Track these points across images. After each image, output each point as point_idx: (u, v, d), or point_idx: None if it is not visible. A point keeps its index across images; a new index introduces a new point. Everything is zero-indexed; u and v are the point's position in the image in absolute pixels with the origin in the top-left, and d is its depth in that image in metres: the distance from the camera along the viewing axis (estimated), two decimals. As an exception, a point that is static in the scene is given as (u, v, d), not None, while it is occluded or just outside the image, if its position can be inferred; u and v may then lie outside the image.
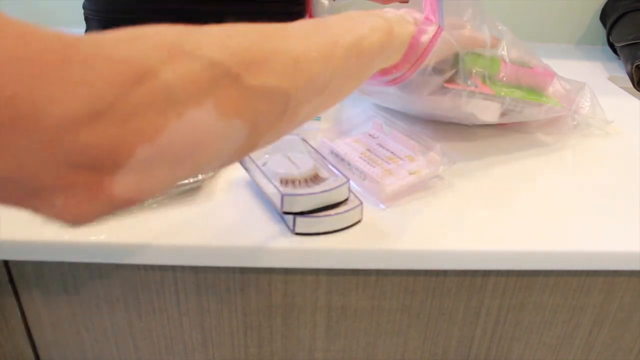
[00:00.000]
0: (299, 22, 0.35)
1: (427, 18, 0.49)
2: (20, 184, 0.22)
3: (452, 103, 0.55)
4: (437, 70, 0.52)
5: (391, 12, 0.46)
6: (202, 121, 0.26)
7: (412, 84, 0.52)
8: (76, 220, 0.25)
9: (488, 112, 0.57)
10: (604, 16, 1.00)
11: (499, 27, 0.59)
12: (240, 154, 0.31)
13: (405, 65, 0.49)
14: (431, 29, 0.48)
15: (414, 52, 0.48)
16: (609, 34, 0.97)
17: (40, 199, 0.23)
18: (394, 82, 0.52)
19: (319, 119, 0.61)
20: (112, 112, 0.22)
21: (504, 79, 0.57)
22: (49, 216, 0.24)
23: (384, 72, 0.50)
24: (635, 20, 0.91)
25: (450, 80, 0.53)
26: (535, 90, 0.61)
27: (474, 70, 0.53)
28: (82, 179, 0.23)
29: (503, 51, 0.57)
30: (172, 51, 0.25)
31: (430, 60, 0.49)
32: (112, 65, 0.22)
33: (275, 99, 0.30)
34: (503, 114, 0.59)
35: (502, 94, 0.56)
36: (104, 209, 0.25)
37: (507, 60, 0.57)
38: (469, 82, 0.54)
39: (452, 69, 0.52)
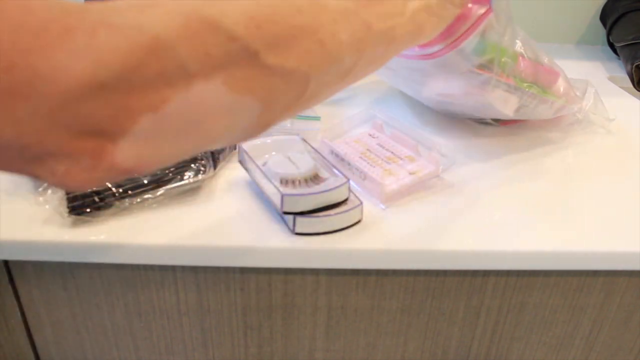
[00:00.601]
0: None
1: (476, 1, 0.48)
2: (22, 150, 0.22)
3: (476, 89, 0.55)
4: (469, 55, 0.51)
5: None
6: (210, 94, 0.25)
7: (440, 64, 0.52)
8: (76, 186, 0.24)
9: (506, 104, 0.57)
10: (604, 16, 1.00)
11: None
12: (253, 132, 0.30)
13: (447, 39, 0.48)
14: (482, 9, 0.47)
15: (459, 27, 0.46)
16: (609, 34, 0.97)
17: (42, 166, 0.23)
18: (430, 56, 0.51)
19: (318, 118, 0.61)
20: (117, 82, 0.22)
21: (523, 74, 0.57)
22: (50, 182, 0.24)
23: (422, 45, 0.49)
24: (635, 20, 0.91)
25: (481, 66, 0.53)
26: (546, 88, 0.61)
27: (502, 62, 0.53)
28: (85, 146, 0.23)
29: (521, 48, 0.57)
30: (189, 20, 0.24)
31: (472, 40, 0.48)
32: (117, 34, 0.22)
33: (294, 80, 0.29)
34: (518, 109, 0.59)
35: (524, 87, 0.56)
36: (105, 176, 0.25)
37: (525, 56, 0.57)
38: (495, 70, 0.53)
39: (483, 56, 0.52)
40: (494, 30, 0.51)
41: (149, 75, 0.23)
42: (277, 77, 0.28)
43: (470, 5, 0.48)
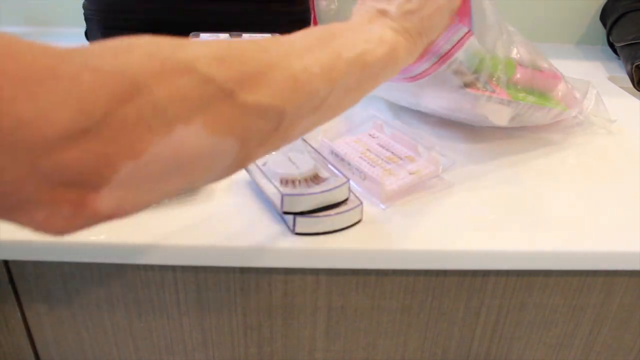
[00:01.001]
0: (302, 32, 0.34)
1: (459, 20, 0.49)
2: (2, 198, 0.21)
3: (468, 104, 0.56)
4: (458, 71, 0.52)
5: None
6: (191, 138, 0.25)
7: (429, 82, 0.52)
8: (57, 233, 0.24)
9: (500, 115, 0.58)
10: (604, 16, 1.00)
11: (509, 29, 0.59)
12: (231, 171, 0.30)
13: (425, 62, 0.48)
14: (460, 32, 0.48)
15: (437, 50, 0.47)
16: (609, 34, 0.97)
17: (21, 213, 0.23)
18: (412, 79, 0.52)
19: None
20: (98, 128, 0.22)
21: (519, 84, 0.57)
22: (29, 228, 0.24)
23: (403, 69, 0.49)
24: (635, 20, 0.91)
25: (470, 82, 0.53)
26: (544, 93, 0.61)
27: (494, 76, 0.54)
28: (65, 194, 0.22)
29: (517, 55, 0.57)
30: (165, 64, 0.24)
31: (453, 62, 0.49)
32: (100, 79, 0.22)
33: (269, 116, 0.29)
34: (513, 118, 0.59)
35: (519, 98, 0.56)
36: (86, 223, 0.24)
37: (521, 63, 0.58)
38: (487, 87, 0.54)
39: (474, 72, 0.52)
40: (482, 46, 0.52)
41: (129, 120, 0.23)
42: (253, 115, 0.28)
43: (448, 28, 0.48)
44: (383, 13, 0.41)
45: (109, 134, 0.22)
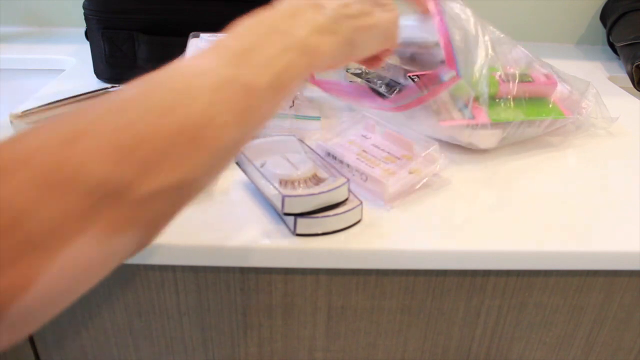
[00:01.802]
0: (208, 74, 0.29)
1: (447, 64, 0.52)
2: None
3: (448, 134, 0.58)
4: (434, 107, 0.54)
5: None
6: (88, 249, 0.23)
7: (409, 114, 0.56)
8: None
9: (487, 140, 0.58)
10: (604, 16, 1.00)
11: (500, 36, 0.59)
12: (135, 254, 0.28)
13: (409, 96, 0.52)
14: (450, 74, 0.51)
15: (425, 86, 0.49)
16: (609, 34, 0.97)
17: None
18: (398, 109, 0.54)
19: (318, 119, 0.61)
20: None
21: (504, 100, 0.58)
22: None
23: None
24: (635, 20, 0.91)
25: (443, 112, 0.55)
26: (537, 101, 0.61)
27: (477, 99, 0.55)
28: None
29: (500, 73, 0.58)
30: (48, 181, 0.22)
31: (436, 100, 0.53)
32: None
33: (174, 194, 0.26)
34: (503, 139, 0.59)
35: (502, 119, 0.56)
36: None
37: (504, 78, 0.58)
38: (465, 112, 0.54)
39: (450, 99, 0.54)
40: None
41: (15, 252, 0.21)
42: (155, 200, 0.25)
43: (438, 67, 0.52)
44: (317, 7, 0.36)
45: None
